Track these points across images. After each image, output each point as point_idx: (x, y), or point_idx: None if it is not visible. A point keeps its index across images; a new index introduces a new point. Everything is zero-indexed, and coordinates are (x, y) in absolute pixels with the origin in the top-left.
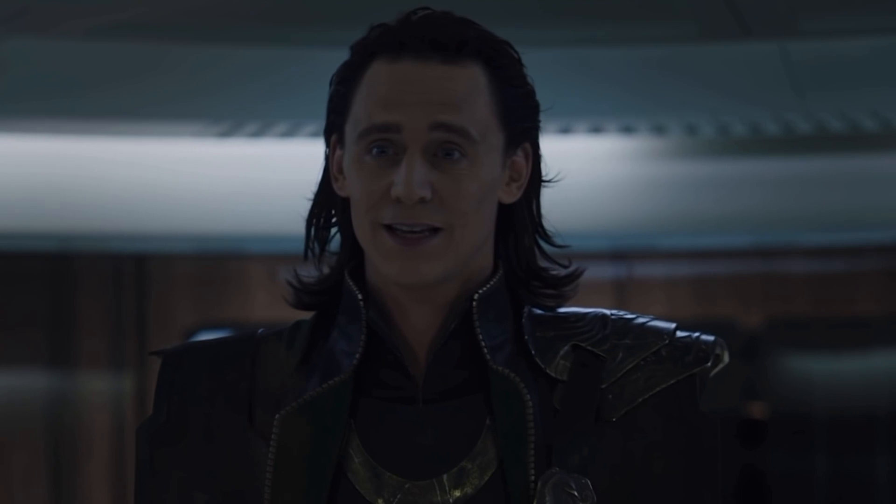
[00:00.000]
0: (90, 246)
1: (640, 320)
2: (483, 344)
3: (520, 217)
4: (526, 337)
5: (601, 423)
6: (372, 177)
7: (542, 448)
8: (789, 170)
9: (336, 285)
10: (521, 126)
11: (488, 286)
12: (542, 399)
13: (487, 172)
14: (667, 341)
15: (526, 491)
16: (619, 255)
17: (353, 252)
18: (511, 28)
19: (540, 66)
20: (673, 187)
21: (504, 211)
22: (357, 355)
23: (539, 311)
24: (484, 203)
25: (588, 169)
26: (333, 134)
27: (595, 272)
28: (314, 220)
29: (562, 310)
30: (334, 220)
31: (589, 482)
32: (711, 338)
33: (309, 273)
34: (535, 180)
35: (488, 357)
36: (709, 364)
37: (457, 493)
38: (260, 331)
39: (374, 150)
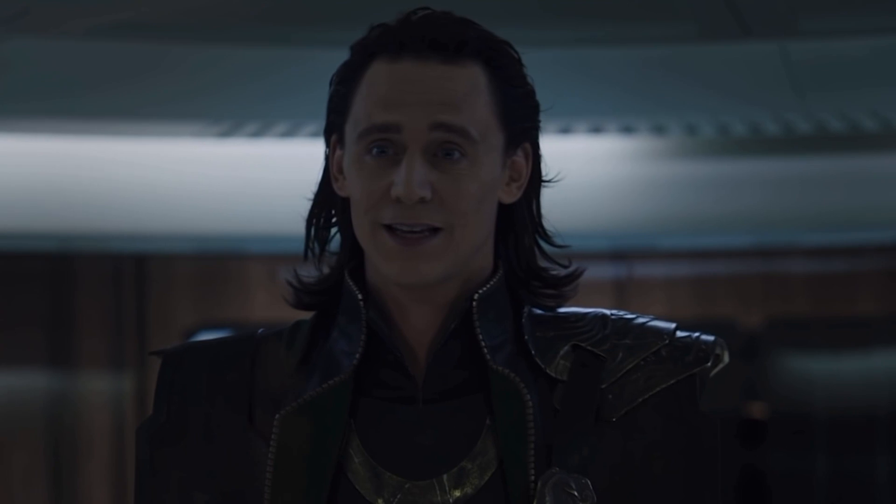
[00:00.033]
0: (90, 246)
1: (640, 320)
2: (483, 344)
3: (520, 217)
4: (526, 337)
5: (601, 423)
6: (372, 177)
7: (542, 448)
8: (789, 170)
9: (336, 285)
10: (521, 126)
11: (488, 286)
12: (542, 399)
13: (487, 172)
14: (667, 341)
15: (526, 491)
16: (619, 256)
17: (353, 252)
18: (511, 28)
19: (540, 66)
20: (673, 187)
21: (504, 211)
22: (357, 355)
23: (539, 311)
24: (484, 203)
25: (588, 169)
26: (333, 134)
27: (595, 272)
28: (314, 220)
29: (562, 310)
30: (334, 220)
31: (589, 482)
32: (711, 338)
33: (309, 273)
34: (535, 180)
35: (488, 357)
36: (709, 364)
37: (457, 493)
38: (260, 331)
39: (374, 150)
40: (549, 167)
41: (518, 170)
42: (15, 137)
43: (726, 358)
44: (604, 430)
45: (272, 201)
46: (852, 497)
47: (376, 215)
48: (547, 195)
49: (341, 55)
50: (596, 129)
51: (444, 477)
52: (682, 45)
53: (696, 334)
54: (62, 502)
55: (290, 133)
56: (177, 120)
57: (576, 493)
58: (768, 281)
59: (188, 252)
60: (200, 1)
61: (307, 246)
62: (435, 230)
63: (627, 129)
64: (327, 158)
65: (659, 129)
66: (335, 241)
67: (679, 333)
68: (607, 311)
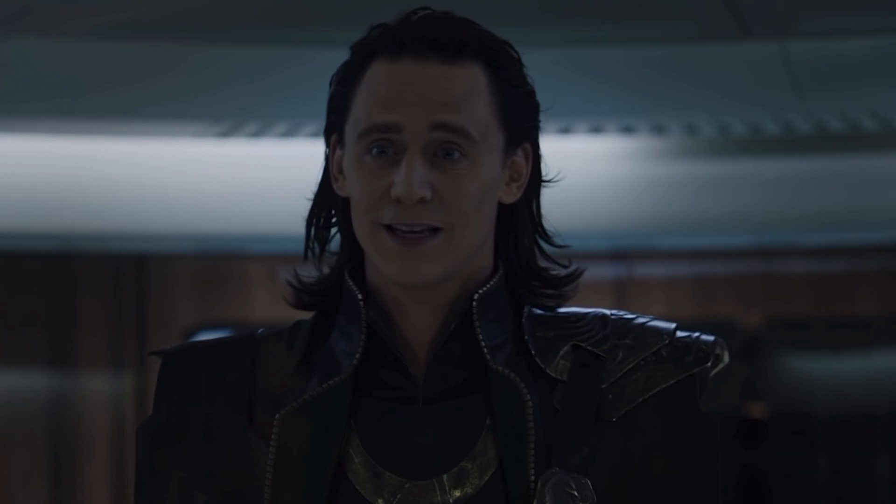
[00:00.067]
0: (91, 246)
1: (640, 320)
2: (483, 344)
3: (520, 217)
4: (526, 337)
5: (601, 423)
6: (372, 177)
7: (542, 448)
8: (789, 170)
9: (336, 285)
10: (520, 126)
11: (488, 286)
12: (542, 399)
13: (487, 172)
14: (667, 341)
15: (526, 491)
16: (619, 255)
17: (352, 252)
18: (511, 28)
19: (540, 66)
20: (673, 187)
21: (504, 211)
22: (357, 355)
23: (539, 311)
24: (484, 203)
25: (588, 169)
26: (333, 134)
27: (595, 272)
28: (314, 221)
29: (562, 310)
30: (334, 220)
31: (589, 482)
32: (711, 338)
33: (309, 273)
34: (535, 180)
35: (488, 357)
36: (709, 364)
37: (457, 493)
38: (260, 331)
39: (374, 150)
40: (549, 167)
41: (518, 170)
42: (16, 137)
43: (726, 358)
44: (604, 430)
45: (272, 201)
46: (853, 497)
47: (376, 215)
48: (547, 195)
49: (342, 55)
50: (596, 130)
51: (444, 477)
52: (683, 45)
53: (696, 334)
54: (62, 502)
55: (290, 133)
56: (177, 120)
57: (576, 493)
58: (768, 281)
59: (188, 252)
60: (201, 1)
61: (307, 246)
62: (435, 230)
63: (627, 130)
64: (327, 158)
65: (659, 130)
66: (335, 242)
67: (679, 333)
68: (607, 312)
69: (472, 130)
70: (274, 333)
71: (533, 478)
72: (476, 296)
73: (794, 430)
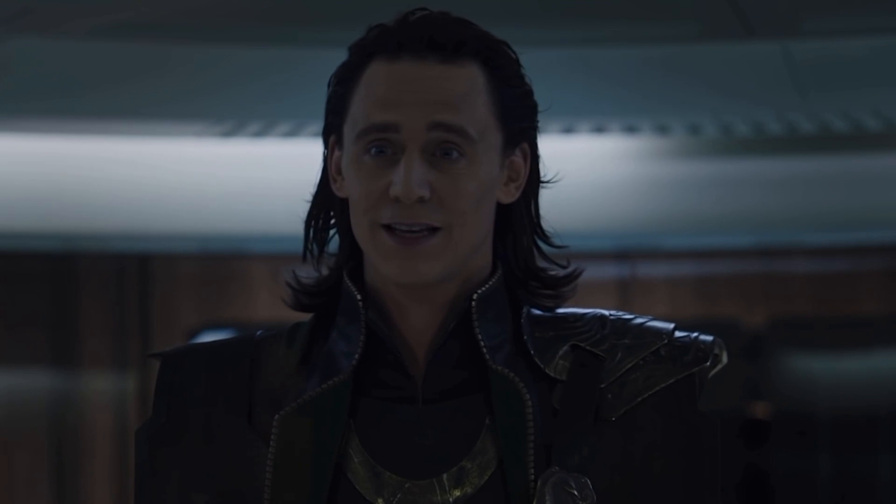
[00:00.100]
0: (93, 246)
1: (639, 320)
2: (482, 344)
3: (518, 217)
4: (525, 337)
5: (601, 423)
6: (370, 177)
7: (541, 448)
8: (792, 170)
9: (335, 286)
10: (519, 126)
11: (487, 286)
12: (542, 399)
13: (486, 172)
14: (665, 341)
15: (526, 490)
16: (621, 255)
17: (351, 253)
18: (511, 28)
19: (541, 66)
20: (676, 187)
21: (503, 211)
22: (356, 355)
23: (538, 312)
24: (482, 202)
25: (591, 169)
26: (332, 134)
27: (598, 272)
28: (313, 222)
29: (560, 310)
30: (333, 220)
31: (589, 482)
32: (710, 338)
33: (308, 274)
34: (534, 180)
35: (488, 357)
36: (707, 364)
37: (457, 493)
38: (259, 333)
39: (373, 150)
40: (548, 167)
41: (516, 170)
42: (17, 137)
43: (725, 358)
44: (603, 430)
45: (275, 201)
46: (855, 497)
47: (375, 215)
48: (549, 195)
49: (344, 55)
50: (599, 129)
51: (444, 476)
52: (685, 45)
53: (695, 334)
54: (65, 502)
55: (292, 133)
56: (179, 120)
57: (576, 493)
58: (771, 281)
59: (191, 252)
60: (202, 1)
61: (306, 247)
62: (434, 230)
63: (630, 129)
64: (326, 159)
65: (662, 129)
66: (334, 243)
67: (678, 333)
68: (606, 312)
69: (471, 130)
70: (273, 335)
71: (533, 477)
72: (475, 296)
73: (797, 429)
